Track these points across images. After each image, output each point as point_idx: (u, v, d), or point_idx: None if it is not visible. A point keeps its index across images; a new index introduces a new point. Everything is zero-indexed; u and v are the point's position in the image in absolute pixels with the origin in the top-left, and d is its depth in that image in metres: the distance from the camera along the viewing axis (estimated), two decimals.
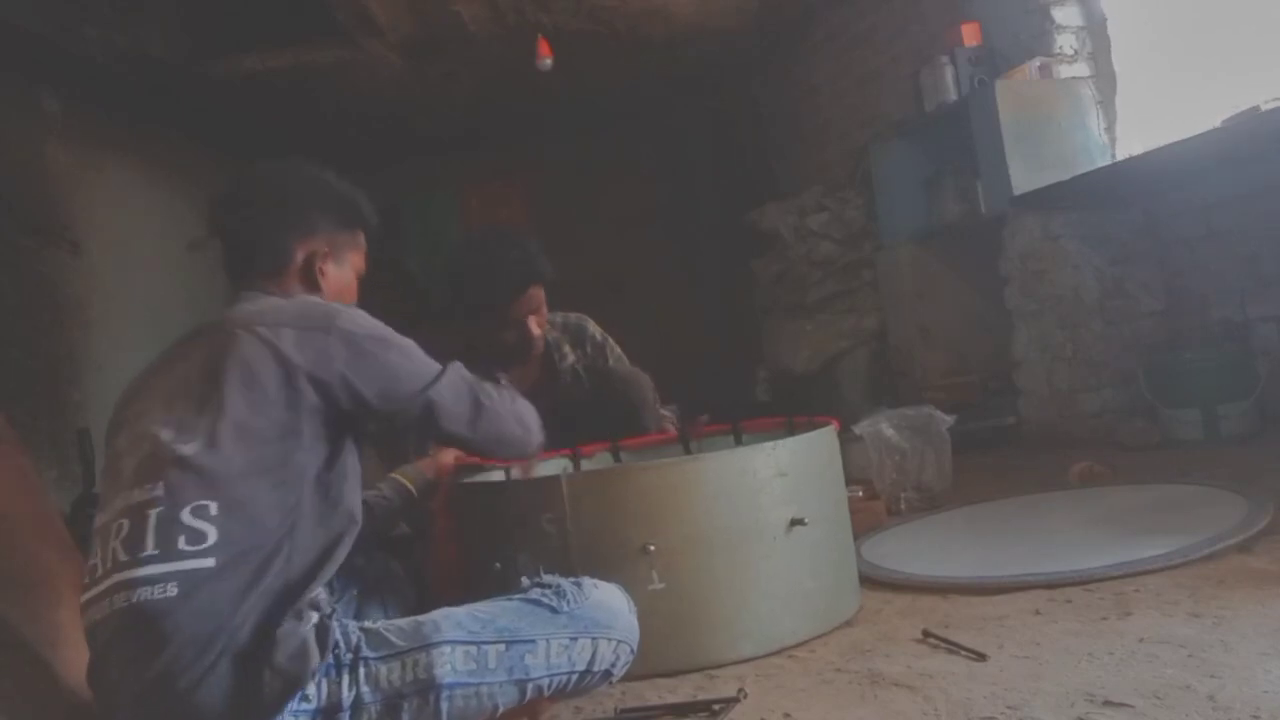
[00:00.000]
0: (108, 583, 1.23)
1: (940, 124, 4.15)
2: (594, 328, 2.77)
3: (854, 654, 1.70)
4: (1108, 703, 1.32)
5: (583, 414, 2.54)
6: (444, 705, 1.27)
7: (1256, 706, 1.25)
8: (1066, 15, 3.90)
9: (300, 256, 1.57)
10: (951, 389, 4.13)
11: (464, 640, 1.30)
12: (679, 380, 3.18)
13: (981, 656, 1.58)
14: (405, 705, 1.26)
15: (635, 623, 1.48)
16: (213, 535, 1.22)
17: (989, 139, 3.74)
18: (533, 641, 1.35)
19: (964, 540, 2.52)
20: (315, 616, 1.26)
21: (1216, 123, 2.90)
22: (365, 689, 1.25)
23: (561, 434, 2.46)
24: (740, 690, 1.56)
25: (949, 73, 4.03)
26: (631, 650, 1.46)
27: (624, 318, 2.74)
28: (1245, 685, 1.32)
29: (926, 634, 1.72)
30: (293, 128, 5.95)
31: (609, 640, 1.42)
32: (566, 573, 1.57)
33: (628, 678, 1.70)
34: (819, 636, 1.81)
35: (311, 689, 1.22)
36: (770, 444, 1.83)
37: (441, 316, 2.60)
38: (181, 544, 1.21)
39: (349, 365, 1.36)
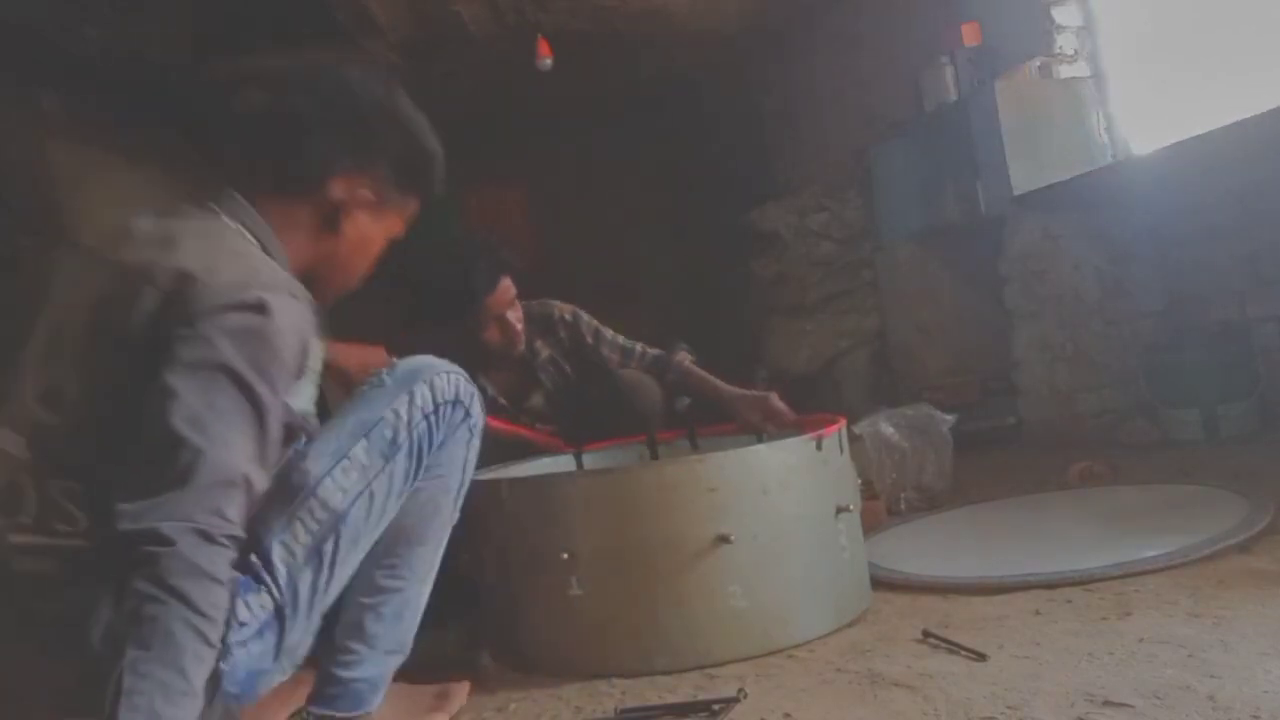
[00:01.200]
0: None
1: (940, 124, 4.14)
2: (560, 309, 2.69)
3: (854, 654, 1.70)
4: (1108, 703, 1.32)
5: (583, 404, 2.55)
6: (354, 523, 1.30)
7: (1256, 706, 1.25)
8: (1066, 15, 3.89)
9: (336, 191, 1.32)
10: (951, 389, 4.13)
11: (334, 460, 1.30)
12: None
13: (981, 656, 1.57)
14: (325, 547, 1.28)
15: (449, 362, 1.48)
16: None
17: (989, 139, 3.74)
18: (381, 417, 1.36)
19: (964, 540, 2.52)
20: None
21: (1221, 124, 2.89)
22: (282, 569, 1.23)
23: (567, 426, 2.48)
24: (740, 690, 1.56)
25: (949, 73, 4.03)
26: (459, 374, 1.46)
27: (623, 318, 2.73)
28: (1245, 685, 1.32)
29: (926, 634, 1.71)
30: None
31: (437, 375, 1.42)
32: (506, 575, 1.87)
33: (628, 677, 1.71)
34: (820, 638, 1.81)
35: (243, 612, 1.19)
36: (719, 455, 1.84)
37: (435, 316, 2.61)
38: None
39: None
